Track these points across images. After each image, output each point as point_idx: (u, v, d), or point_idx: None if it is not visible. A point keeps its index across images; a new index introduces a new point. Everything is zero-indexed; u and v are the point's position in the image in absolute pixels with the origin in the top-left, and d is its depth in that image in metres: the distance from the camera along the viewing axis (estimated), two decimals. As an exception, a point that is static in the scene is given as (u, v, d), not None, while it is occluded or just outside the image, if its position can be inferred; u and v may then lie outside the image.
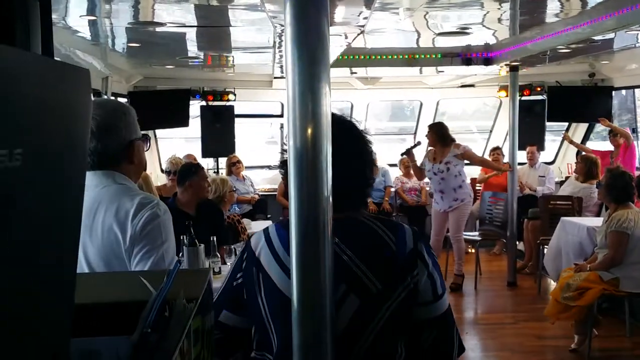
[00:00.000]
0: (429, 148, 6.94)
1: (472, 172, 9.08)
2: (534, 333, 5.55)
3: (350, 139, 1.65)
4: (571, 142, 9.40)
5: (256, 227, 6.10)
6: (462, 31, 5.81)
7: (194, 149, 9.20)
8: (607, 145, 8.96)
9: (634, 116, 10.02)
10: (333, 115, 1.51)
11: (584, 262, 5.31)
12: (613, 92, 9.40)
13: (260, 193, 9.04)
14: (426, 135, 6.94)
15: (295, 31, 1.34)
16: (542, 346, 5.30)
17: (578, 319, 4.96)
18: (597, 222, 5.75)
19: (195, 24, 4.88)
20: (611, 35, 5.51)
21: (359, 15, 4.25)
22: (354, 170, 1.61)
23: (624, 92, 9.93)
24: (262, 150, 11.14)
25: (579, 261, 5.50)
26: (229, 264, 4.16)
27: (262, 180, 9.56)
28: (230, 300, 1.66)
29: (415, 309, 1.55)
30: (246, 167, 9.03)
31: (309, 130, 1.33)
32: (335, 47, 5.47)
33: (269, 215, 8.59)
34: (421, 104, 10.33)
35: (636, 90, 9.61)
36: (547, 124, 9.87)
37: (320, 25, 1.35)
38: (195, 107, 9.29)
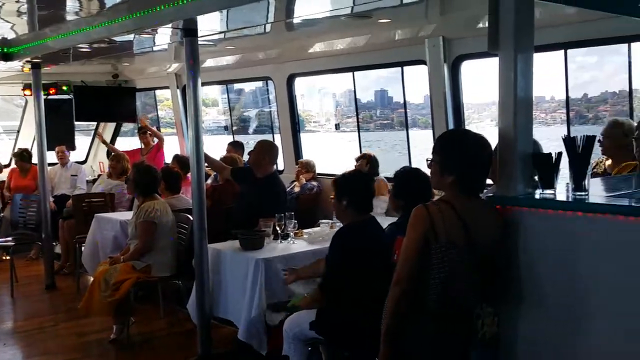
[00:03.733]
0: None
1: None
2: (75, 331, 5.52)
3: None
4: (104, 142, 9.64)
5: None
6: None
7: None
8: (136, 143, 9.48)
9: (156, 116, 10.84)
10: None
11: (119, 254, 5.52)
12: (136, 93, 9.98)
13: None
14: None
15: None
16: (85, 342, 5.31)
17: (116, 311, 5.14)
18: (129, 215, 6.04)
19: None
20: (130, 38, 5.84)
21: None
22: None
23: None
24: None
25: (115, 254, 5.69)
26: None
27: None
28: None
29: None
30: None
31: None
32: None
33: None
34: None
35: (157, 91, 10.41)
36: (77, 123, 9.87)
37: None
38: None
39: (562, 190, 2.59)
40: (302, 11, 4.98)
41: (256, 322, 4.35)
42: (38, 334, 5.54)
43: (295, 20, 5.31)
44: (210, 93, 15.14)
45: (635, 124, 3.90)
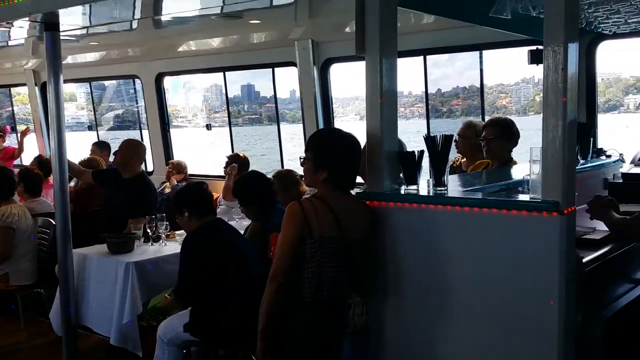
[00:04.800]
0: None
1: None
2: None
3: None
4: None
5: None
6: None
7: None
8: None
9: (12, 112, 10.18)
10: None
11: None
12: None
13: None
14: None
15: None
16: None
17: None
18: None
19: None
20: (-20, 31, 5.44)
21: None
22: None
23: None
24: None
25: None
26: None
27: None
28: None
29: None
30: None
31: None
32: None
33: None
34: None
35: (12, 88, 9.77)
36: None
37: None
38: None
39: (424, 186, 2.77)
40: (171, 8, 4.90)
41: (130, 327, 4.22)
42: None
43: (164, 18, 5.21)
44: (67, 87, 14.39)
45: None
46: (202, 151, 11.63)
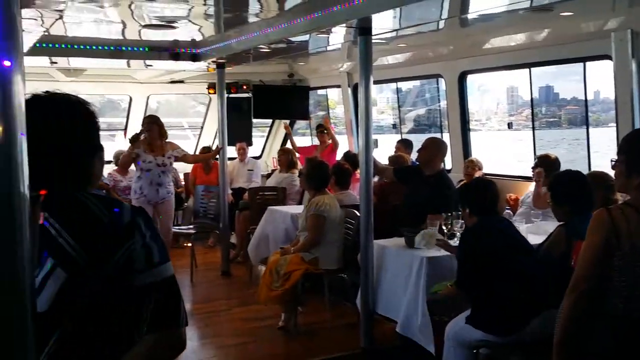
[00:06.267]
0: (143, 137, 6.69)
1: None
2: (246, 317, 5.85)
3: (66, 119, 1.64)
4: (288, 131, 9.96)
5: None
6: (169, 25, 5.83)
7: None
8: (305, 141, 9.84)
9: (327, 113, 11.16)
10: (50, 94, 1.64)
11: (289, 245, 5.77)
12: (310, 92, 10.34)
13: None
14: (145, 127, 6.70)
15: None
16: (254, 328, 5.60)
17: (285, 300, 5.37)
18: (299, 209, 6.28)
19: None
20: (305, 38, 6.07)
21: None
22: (62, 147, 1.61)
23: (319, 91, 10.96)
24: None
25: (286, 245, 5.94)
26: None
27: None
28: None
29: (132, 276, 1.58)
30: None
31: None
32: (31, 33, 5.06)
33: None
34: (130, 99, 10.08)
35: (328, 90, 10.71)
36: (254, 120, 10.45)
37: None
38: None
39: None
40: (479, 6, 4.85)
41: (422, 321, 4.31)
42: (213, 317, 5.96)
43: (471, 16, 5.18)
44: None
45: None
46: (498, 153, 11.31)
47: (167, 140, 6.79)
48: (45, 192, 1.55)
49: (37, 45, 5.83)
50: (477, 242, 3.81)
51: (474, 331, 3.64)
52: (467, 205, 4.03)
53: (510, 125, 10.87)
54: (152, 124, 6.68)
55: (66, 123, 1.65)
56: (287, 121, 10.37)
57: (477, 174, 7.05)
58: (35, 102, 1.60)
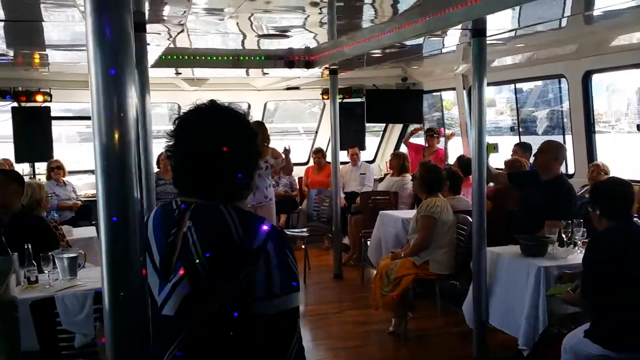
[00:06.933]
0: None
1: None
2: (357, 320, 5.89)
3: (222, 129, 1.65)
4: (412, 133, 9.90)
5: (78, 233, 5.80)
6: (283, 34, 6.00)
7: (6, 152, 8.57)
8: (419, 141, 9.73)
9: (442, 117, 10.99)
10: (210, 104, 1.67)
11: (400, 250, 5.73)
12: (423, 95, 10.23)
13: (83, 199, 8.60)
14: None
15: (96, 27, 1.32)
16: (365, 331, 5.63)
17: (396, 305, 5.35)
18: (410, 214, 6.23)
19: (2, 17, 4.54)
20: (420, 41, 6.01)
21: (180, 13, 4.25)
22: (213, 158, 1.62)
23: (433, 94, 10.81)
24: (83, 153, 10.61)
25: (397, 250, 5.91)
26: (46, 271, 3.92)
27: (84, 186, 9.09)
28: None
29: (251, 302, 1.57)
30: (68, 172, 8.59)
31: (115, 131, 1.34)
32: (156, 46, 5.39)
33: (93, 222, 8.20)
34: (249, 106, 10.46)
35: (442, 92, 10.53)
36: (367, 124, 10.50)
37: (123, 22, 1.33)
38: (6, 108, 8.66)
39: None
40: (604, 2, 4.58)
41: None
42: (324, 319, 6.04)
43: (596, 13, 4.91)
44: (488, 93, 14.84)
45: None
46: (628, 156, 10.58)
47: (269, 146, 6.75)
48: (195, 202, 1.63)
49: (163, 57, 6.20)
50: (608, 247, 3.53)
51: (591, 345, 3.45)
52: (598, 207, 3.66)
53: (639, 127, 10.14)
54: (257, 129, 6.81)
55: (232, 136, 1.65)
56: (388, 132, 10.42)
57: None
58: (201, 112, 1.65)
